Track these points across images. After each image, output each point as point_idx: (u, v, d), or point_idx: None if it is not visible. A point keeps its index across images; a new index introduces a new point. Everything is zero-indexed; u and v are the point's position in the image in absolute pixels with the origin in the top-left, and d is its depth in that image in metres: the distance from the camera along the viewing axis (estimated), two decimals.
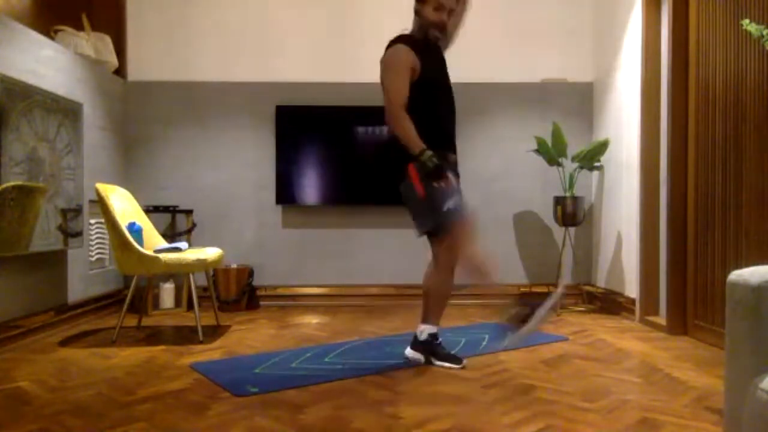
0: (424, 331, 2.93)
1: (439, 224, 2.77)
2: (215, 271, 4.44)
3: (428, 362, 2.91)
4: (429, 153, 2.70)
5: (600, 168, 4.56)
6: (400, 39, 2.86)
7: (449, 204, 2.72)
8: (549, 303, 2.63)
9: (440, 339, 2.96)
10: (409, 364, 2.90)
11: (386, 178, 2.99)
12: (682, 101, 3.60)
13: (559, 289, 3.03)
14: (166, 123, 4.81)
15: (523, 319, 2.62)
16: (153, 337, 3.64)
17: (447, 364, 2.87)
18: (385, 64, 2.83)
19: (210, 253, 3.59)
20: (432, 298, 2.93)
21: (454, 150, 2.98)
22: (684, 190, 3.59)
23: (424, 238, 2.93)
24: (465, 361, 2.90)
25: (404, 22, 2.92)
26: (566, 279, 4.60)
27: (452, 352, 2.99)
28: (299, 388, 2.52)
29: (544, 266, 4.81)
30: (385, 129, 2.92)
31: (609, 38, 4.59)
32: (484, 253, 2.83)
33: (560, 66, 4.88)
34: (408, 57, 2.79)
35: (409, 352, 2.98)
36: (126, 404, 2.32)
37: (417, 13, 2.88)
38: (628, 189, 4.16)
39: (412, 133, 2.74)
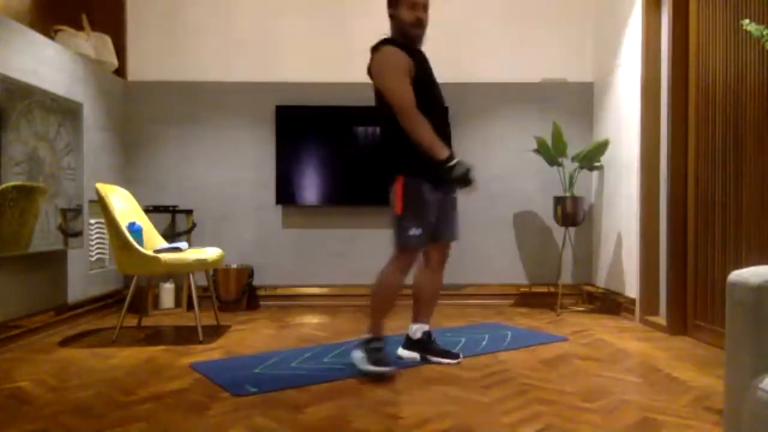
0: (417, 330, 2.95)
1: (399, 243, 2.74)
2: (215, 271, 4.44)
3: (424, 360, 2.93)
4: (457, 160, 2.62)
5: (600, 168, 4.56)
6: (386, 42, 2.74)
7: (413, 231, 2.69)
8: None
9: (434, 336, 2.98)
10: (406, 363, 2.91)
11: (381, 180, 2.90)
12: (682, 101, 3.60)
13: None
14: (166, 123, 4.81)
15: None
16: (153, 337, 3.64)
17: (444, 360, 2.89)
18: (382, 65, 2.69)
19: (210, 253, 3.59)
20: (424, 299, 2.98)
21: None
22: (684, 190, 3.59)
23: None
24: (461, 356, 2.94)
25: None
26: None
27: (454, 350, 3.01)
28: (299, 388, 2.53)
29: (544, 266, 4.81)
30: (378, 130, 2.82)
31: (609, 38, 4.58)
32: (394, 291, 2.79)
33: (560, 66, 4.88)
34: (404, 58, 2.67)
35: (403, 352, 2.99)
36: (126, 404, 2.32)
37: (392, 17, 2.78)
38: (628, 189, 4.16)
39: (434, 136, 2.61)
